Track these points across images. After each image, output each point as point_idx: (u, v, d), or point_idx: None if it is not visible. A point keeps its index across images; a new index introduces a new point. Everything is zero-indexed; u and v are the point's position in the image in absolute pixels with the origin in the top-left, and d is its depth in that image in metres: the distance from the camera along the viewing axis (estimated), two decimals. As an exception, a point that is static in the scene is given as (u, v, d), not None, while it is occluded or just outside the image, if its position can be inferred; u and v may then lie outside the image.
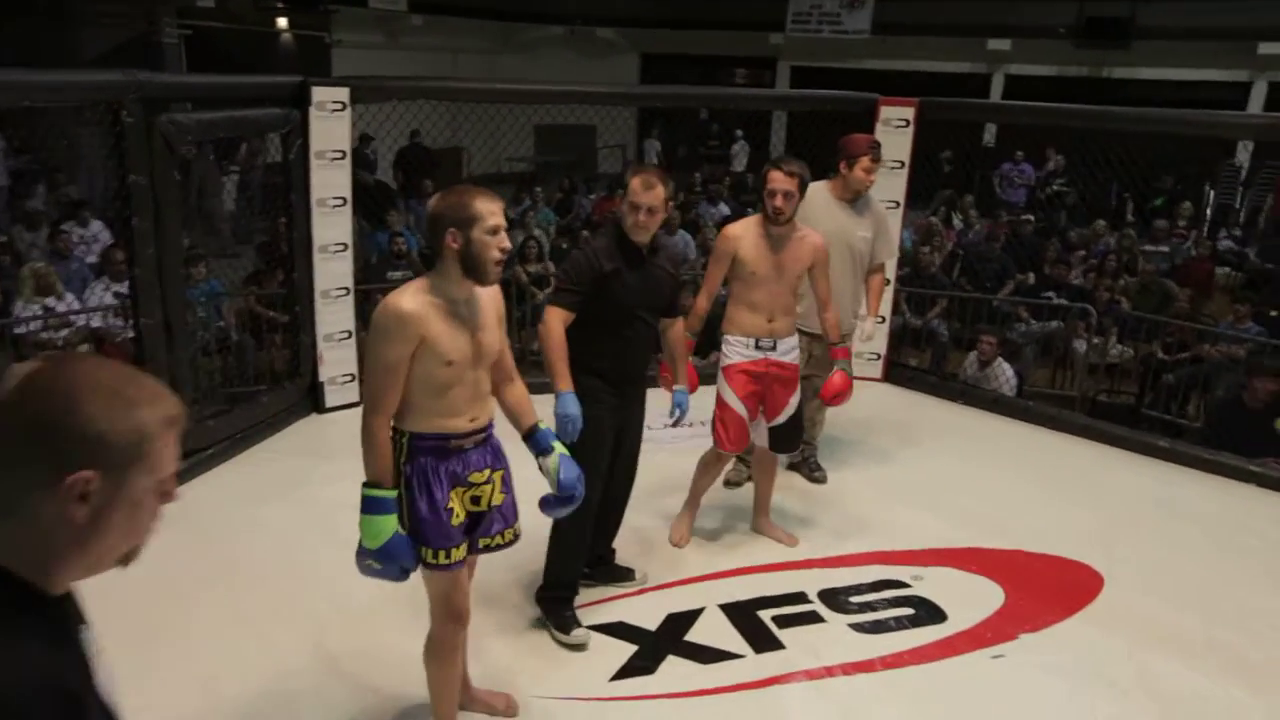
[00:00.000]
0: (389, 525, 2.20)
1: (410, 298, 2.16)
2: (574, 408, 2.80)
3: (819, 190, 3.99)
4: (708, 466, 3.67)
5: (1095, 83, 13.28)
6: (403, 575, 2.29)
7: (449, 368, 2.19)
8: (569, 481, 2.45)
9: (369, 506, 2.21)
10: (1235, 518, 4.18)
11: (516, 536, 2.48)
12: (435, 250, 2.21)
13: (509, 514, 2.44)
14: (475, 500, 2.34)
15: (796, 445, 3.77)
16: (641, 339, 3.04)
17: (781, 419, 3.54)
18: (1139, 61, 12.83)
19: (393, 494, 2.22)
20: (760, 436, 3.58)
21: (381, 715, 2.72)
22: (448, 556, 2.29)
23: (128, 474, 0.97)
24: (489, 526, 2.40)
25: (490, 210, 2.18)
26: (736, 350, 3.47)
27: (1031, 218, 9.06)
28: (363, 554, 2.25)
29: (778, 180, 3.29)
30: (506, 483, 2.43)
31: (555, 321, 2.87)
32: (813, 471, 4.37)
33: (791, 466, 4.32)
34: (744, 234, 3.41)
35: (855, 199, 4.06)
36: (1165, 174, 10.08)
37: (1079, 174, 10.11)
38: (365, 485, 2.22)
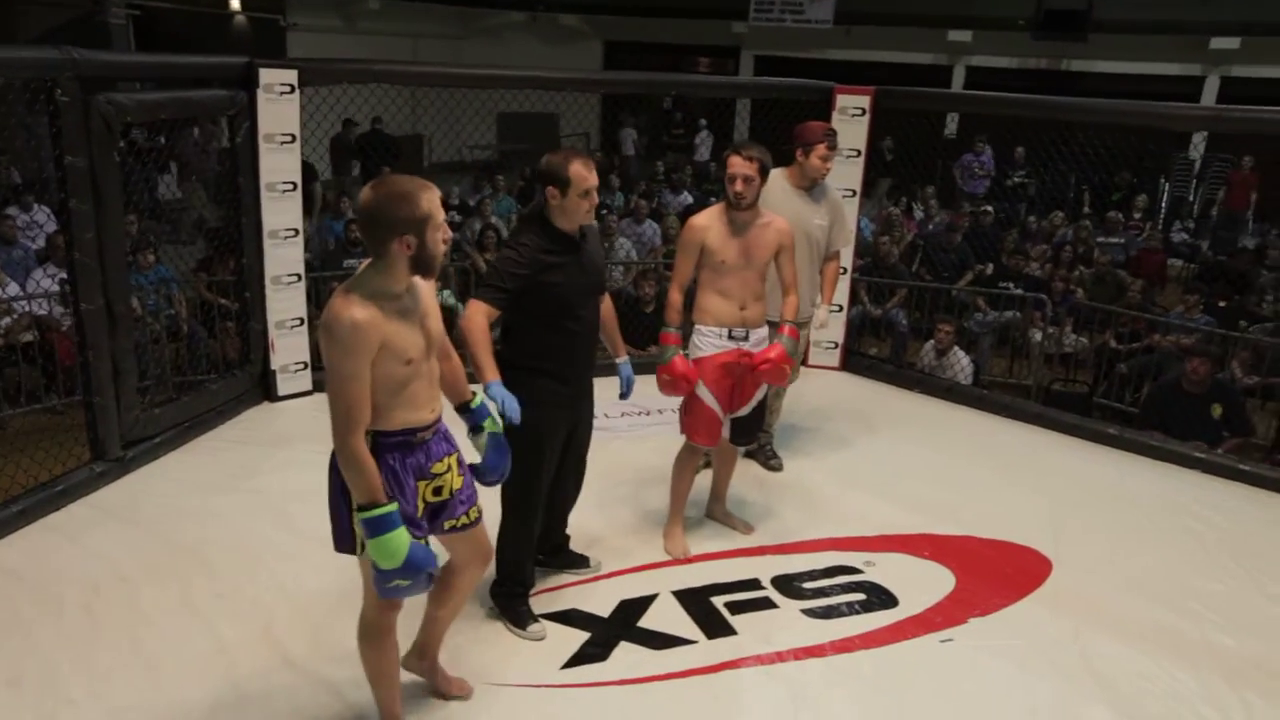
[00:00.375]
0: (404, 537, 2.12)
1: (360, 306, 2.05)
2: (504, 392, 2.68)
3: (777, 178, 3.97)
4: (683, 466, 3.58)
5: (1054, 75, 13.43)
6: (430, 583, 2.23)
7: (408, 365, 2.16)
8: (495, 465, 2.48)
9: (376, 528, 2.09)
10: (1180, 503, 4.26)
11: (480, 514, 2.46)
12: (377, 252, 2.10)
13: (470, 495, 2.43)
14: (438, 491, 2.31)
15: (755, 438, 3.76)
16: (587, 328, 2.98)
17: (745, 410, 3.50)
18: (1096, 55, 12.99)
19: (394, 506, 2.13)
20: (724, 427, 3.53)
21: (329, 704, 2.68)
22: None
23: None
24: (453, 510, 2.38)
25: (436, 204, 2.12)
26: (709, 341, 3.41)
27: (990, 209, 9.15)
28: (385, 576, 2.14)
29: (737, 165, 3.28)
30: (461, 464, 2.41)
31: (479, 315, 2.75)
32: (769, 459, 4.38)
33: (748, 454, 4.31)
34: (710, 223, 3.38)
35: (812, 187, 4.07)
36: (1122, 167, 10.22)
37: (1038, 166, 10.22)
38: (361, 509, 2.11)
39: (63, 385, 5.06)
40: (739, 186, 3.28)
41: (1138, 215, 9.93)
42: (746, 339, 3.41)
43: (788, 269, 3.48)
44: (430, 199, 2.10)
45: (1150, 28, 12.46)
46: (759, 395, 3.51)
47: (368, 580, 2.30)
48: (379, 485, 2.12)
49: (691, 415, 3.46)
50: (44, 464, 3.98)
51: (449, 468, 2.34)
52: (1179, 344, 6.02)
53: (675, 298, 3.43)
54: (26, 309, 5.37)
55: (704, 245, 3.35)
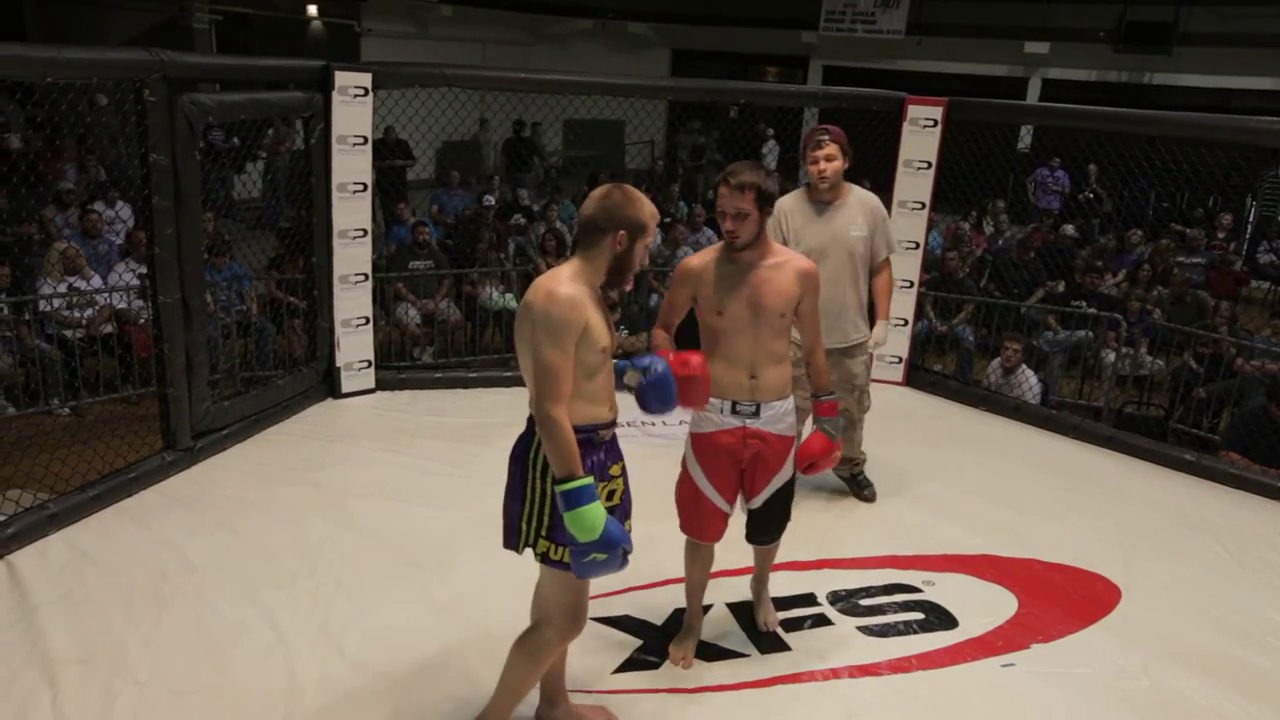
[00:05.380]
0: (601, 510, 2.14)
1: (570, 284, 2.15)
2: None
3: (793, 201, 3.70)
4: (689, 560, 2.96)
5: (1135, 89, 13.03)
6: (625, 562, 2.22)
7: (601, 354, 2.21)
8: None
9: (574, 501, 2.10)
10: (1259, 533, 4.07)
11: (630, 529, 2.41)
12: (587, 242, 2.22)
13: (630, 508, 2.41)
14: (610, 495, 2.30)
15: (777, 534, 2.98)
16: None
17: (759, 501, 2.84)
18: (1181, 68, 12.57)
19: (591, 479, 2.15)
20: (728, 520, 2.88)
21: (384, 698, 2.70)
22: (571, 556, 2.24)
23: None
24: (621, 516, 2.36)
25: (654, 223, 2.27)
26: (709, 418, 2.75)
27: (1073, 228, 8.90)
28: (581, 552, 2.14)
29: (724, 198, 2.62)
30: (625, 472, 2.40)
31: None
32: (862, 489, 4.12)
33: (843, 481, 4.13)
34: (705, 265, 2.72)
35: (835, 198, 3.70)
36: (1207, 184, 9.86)
37: (1115, 182, 9.91)
38: (560, 482, 2.12)
39: (138, 376, 5.24)
40: (729, 225, 2.63)
41: (1221, 235, 9.56)
42: (756, 414, 2.73)
43: (810, 324, 2.81)
44: (653, 214, 2.26)
45: (1239, 40, 12.01)
46: (776, 483, 2.83)
47: (553, 599, 2.29)
48: (578, 456, 2.14)
49: (686, 505, 2.85)
50: (119, 451, 4.12)
51: (621, 473, 2.36)
52: (1264, 369, 5.76)
53: (658, 336, 2.81)
54: (108, 301, 5.58)
55: (697, 294, 2.75)
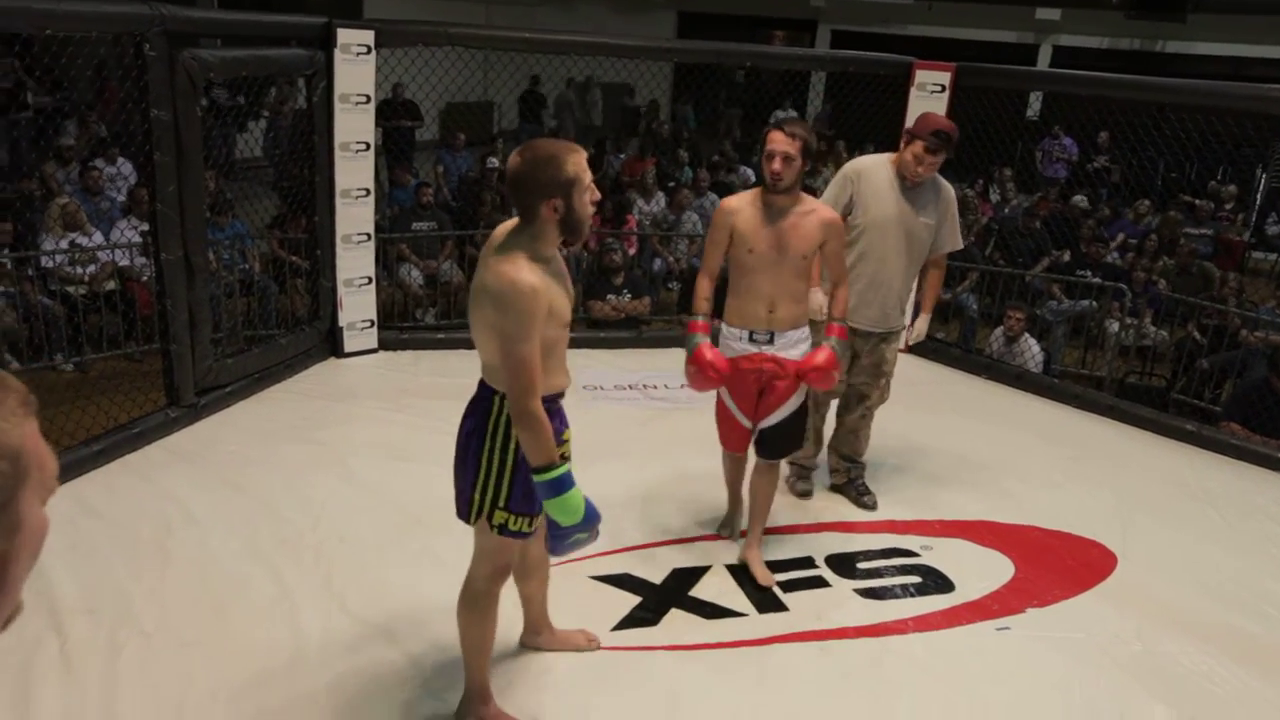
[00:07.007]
0: (580, 495, 2.12)
1: (528, 270, 2.05)
2: None
3: (882, 166, 3.54)
4: (726, 461, 3.41)
5: (1147, 57, 12.86)
6: (596, 536, 2.24)
7: (562, 329, 2.18)
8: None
9: (556, 488, 2.09)
10: (1258, 504, 4.09)
11: None
12: (526, 217, 2.11)
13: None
14: (564, 458, 2.26)
15: (784, 454, 3.30)
16: None
17: (771, 421, 3.14)
18: (1194, 35, 12.40)
19: (569, 466, 2.14)
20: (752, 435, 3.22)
21: (385, 653, 2.74)
22: (530, 525, 2.27)
23: (18, 496, 0.78)
24: None
25: (583, 166, 2.11)
26: (729, 344, 3.10)
27: (1085, 197, 8.82)
28: (564, 534, 2.14)
29: (777, 141, 2.93)
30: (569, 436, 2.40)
31: None
32: (860, 495, 3.82)
33: (836, 489, 3.90)
34: (742, 207, 3.05)
35: (918, 182, 3.52)
36: (1217, 154, 9.75)
37: (1124, 151, 9.81)
38: (539, 472, 2.09)
39: (141, 333, 5.25)
40: (777, 165, 2.93)
41: (1229, 206, 9.48)
42: (771, 342, 3.06)
43: (836, 264, 3.11)
44: (577, 161, 2.09)
45: (1254, 7, 11.83)
46: (790, 406, 3.13)
47: (487, 552, 2.31)
48: (554, 447, 2.12)
49: (718, 421, 3.27)
50: (123, 407, 4.14)
51: (569, 438, 2.36)
52: (1268, 340, 5.74)
53: (702, 285, 3.12)
54: (110, 258, 5.57)
55: (733, 230, 3.04)
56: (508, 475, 2.20)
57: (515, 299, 2.02)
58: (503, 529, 2.24)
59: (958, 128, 3.55)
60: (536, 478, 2.11)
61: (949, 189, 3.68)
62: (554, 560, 2.26)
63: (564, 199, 2.08)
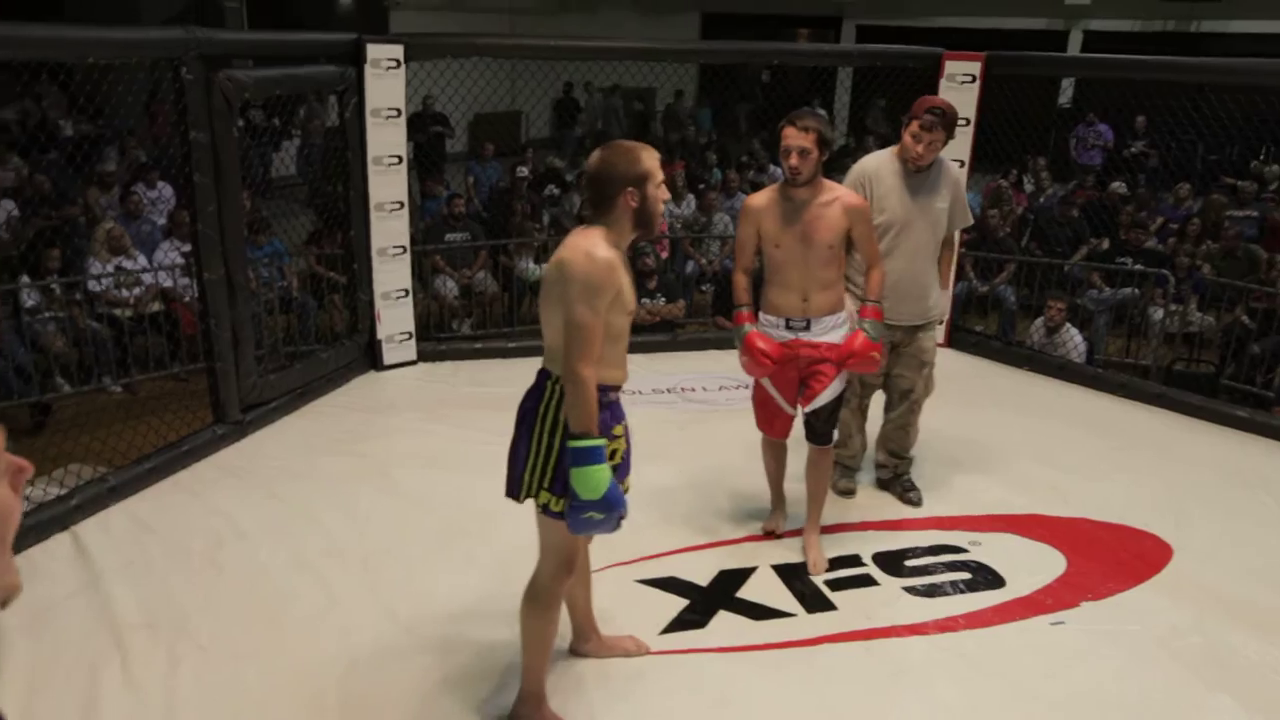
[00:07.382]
0: (607, 472, 2.18)
1: (604, 247, 2.18)
2: None
3: (886, 162, 3.52)
4: (766, 449, 3.43)
5: (1182, 38, 12.61)
6: (618, 525, 2.27)
7: (627, 318, 2.26)
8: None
9: (584, 458, 2.15)
10: (1318, 490, 3.98)
11: (626, 489, 2.42)
12: (603, 208, 2.24)
13: (629, 466, 2.44)
14: (612, 454, 2.31)
15: (827, 439, 3.28)
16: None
17: (814, 405, 3.19)
18: (1230, 14, 12.14)
19: (603, 441, 2.20)
20: (793, 421, 3.29)
21: (435, 662, 2.76)
22: None
23: None
24: (621, 475, 2.39)
25: (657, 165, 2.28)
26: (768, 333, 3.19)
27: (1123, 185, 8.65)
28: (580, 508, 2.19)
29: (791, 136, 2.98)
30: (628, 432, 2.42)
31: None
32: (906, 491, 3.78)
33: (882, 485, 3.87)
34: (764, 203, 3.13)
35: (923, 167, 3.48)
36: (1260, 134, 9.53)
37: (1162, 135, 9.62)
38: (574, 438, 2.16)
39: (186, 353, 5.34)
40: (794, 161, 2.99)
41: (1273, 187, 9.26)
42: (807, 328, 3.13)
43: (866, 247, 3.16)
44: (651, 157, 2.26)
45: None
46: (832, 390, 3.18)
47: (554, 548, 2.34)
48: (596, 416, 2.18)
49: (757, 406, 3.33)
50: (171, 425, 4.22)
51: (624, 433, 2.39)
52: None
53: (739, 280, 3.22)
54: (154, 281, 5.68)
55: (759, 229, 3.14)
56: (554, 458, 2.24)
57: (590, 269, 2.14)
58: (545, 509, 2.29)
59: (955, 107, 3.51)
60: (570, 442, 2.17)
61: (954, 168, 3.72)
62: (571, 531, 2.28)
63: (640, 190, 2.23)
